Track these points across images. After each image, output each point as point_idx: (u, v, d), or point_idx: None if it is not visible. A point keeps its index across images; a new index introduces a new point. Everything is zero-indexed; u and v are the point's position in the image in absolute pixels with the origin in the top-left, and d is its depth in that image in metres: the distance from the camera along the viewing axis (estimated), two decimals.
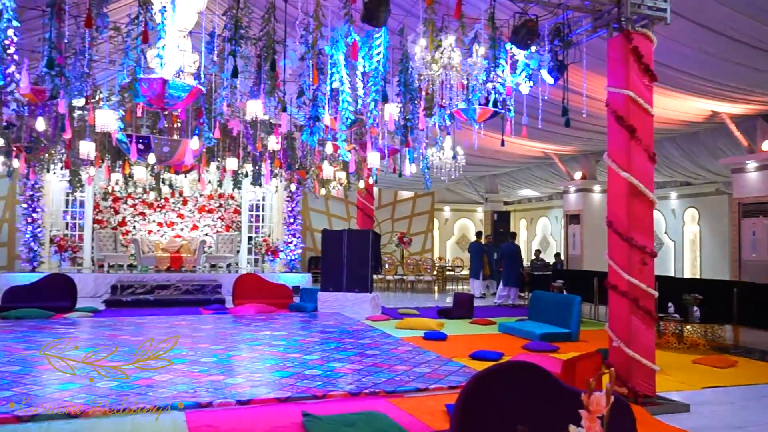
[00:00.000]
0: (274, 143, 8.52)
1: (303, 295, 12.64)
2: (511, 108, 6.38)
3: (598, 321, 11.12)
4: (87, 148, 7.95)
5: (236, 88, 6.20)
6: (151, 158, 7.45)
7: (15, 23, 4.42)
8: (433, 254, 22.09)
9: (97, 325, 9.67)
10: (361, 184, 12.07)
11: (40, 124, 7.44)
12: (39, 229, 14.68)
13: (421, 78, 5.37)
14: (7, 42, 4.49)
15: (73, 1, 5.58)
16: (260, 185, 11.86)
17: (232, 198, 17.99)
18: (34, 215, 14.59)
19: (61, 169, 11.08)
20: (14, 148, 8.87)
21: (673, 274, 16.09)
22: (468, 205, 23.89)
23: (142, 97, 5.12)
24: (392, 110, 6.13)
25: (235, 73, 4.90)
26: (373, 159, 7.85)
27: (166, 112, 7.12)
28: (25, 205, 14.58)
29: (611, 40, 5.65)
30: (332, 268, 11.92)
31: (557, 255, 17.59)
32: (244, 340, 8.48)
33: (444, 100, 5.39)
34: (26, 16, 5.56)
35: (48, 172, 11.13)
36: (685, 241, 16.96)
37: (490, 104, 5.84)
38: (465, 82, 5.37)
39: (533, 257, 18.21)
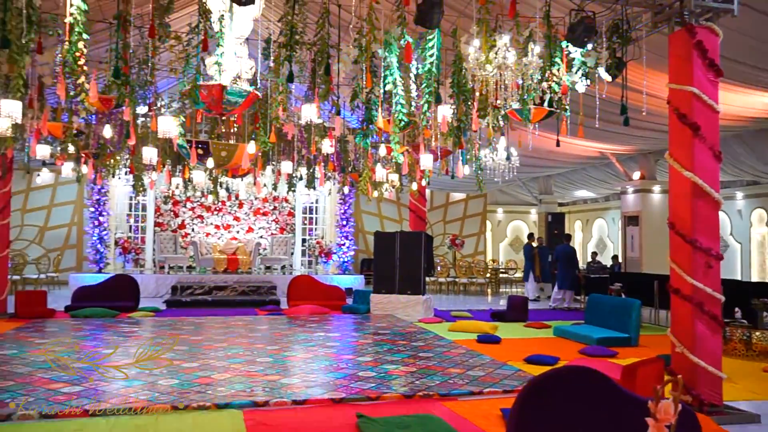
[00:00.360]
0: (327, 146, 8.63)
1: (356, 296, 12.73)
2: (567, 107, 6.25)
3: (658, 326, 10.76)
4: (150, 154, 8.28)
5: (291, 93, 6.30)
6: (210, 162, 7.69)
7: (85, 36, 4.63)
8: (486, 256, 21.87)
9: (159, 325, 10.00)
10: (414, 187, 12.06)
11: (107, 132, 7.78)
12: (105, 232, 15.34)
13: (475, 79, 5.33)
14: (78, 54, 4.71)
15: (137, 13, 5.82)
16: (314, 188, 12.02)
17: (286, 201, 18.31)
18: (101, 218, 15.25)
19: (126, 174, 11.56)
20: (83, 155, 9.32)
21: (739, 278, 15.40)
22: (521, 207, 23.55)
23: (202, 104, 5.28)
24: (445, 112, 6.12)
25: (290, 78, 5.00)
26: (426, 161, 7.84)
27: (224, 118, 7.32)
28: (92, 209, 15.27)
29: (673, 35, 5.47)
30: (385, 270, 11.97)
31: (615, 257, 17.13)
32: (299, 341, 8.61)
33: (498, 101, 5.33)
34: (94, 28, 5.81)
35: (113, 177, 11.62)
36: (753, 244, 16.21)
37: (545, 104, 5.75)
38: (520, 81, 5.30)
39: (589, 260, 17.79)
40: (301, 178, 11.85)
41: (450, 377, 6.34)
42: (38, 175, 15.28)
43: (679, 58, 5.39)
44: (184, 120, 6.83)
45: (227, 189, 16.80)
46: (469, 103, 6.01)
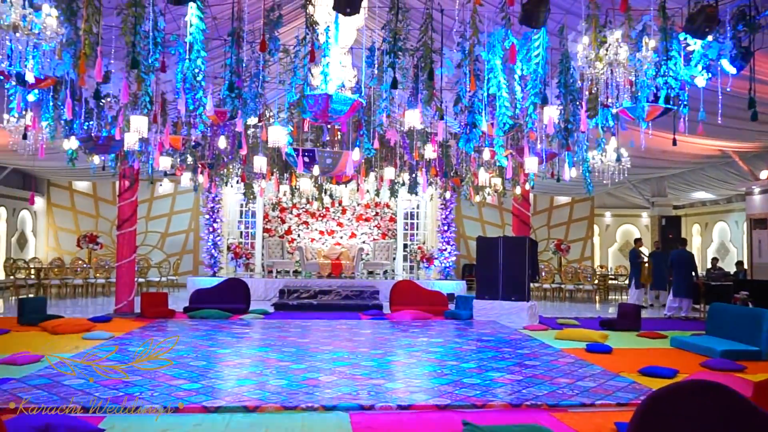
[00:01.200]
0: (430, 151, 8.64)
1: (458, 302, 12.63)
2: (685, 104, 5.85)
3: None
4: (260, 163, 8.70)
5: (394, 100, 6.37)
6: (316, 170, 7.95)
7: (203, 53, 4.94)
8: (593, 262, 20.97)
9: (268, 327, 10.42)
10: (518, 191, 11.79)
11: (222, 142, 8.26)
12: (218, 238, 16.23)
13: (584, 77, 5.13)
14: (196, 71, 5.02)
15: (249, 29, 6.12)
16: (416, 193, 12.07)
17: (388, 207, 18.53)
18: (215, 225, 16.16)
19: (237, 182, 12.20)
20: (200, 165, 9.95)
21: None
22: (631, 210, 22.38)
23: (309, 113, 5.46)
24: (552, 113, 5.92)
25: (394, 84, 5.05)
26: (531, 164, 7.63)
27: (329, 126, 7.54)
28: (207, 216, 16.21)
29: None
30: (488, 275, 11.78)
31: (739, 263, 15.83)
32: (402, 346, 8.65)
33: (609, 100, 5.09)
34: (210, 46, 6.17)
35: (226, 185, 12.28)
36: None
37: (661, 101, 5.41)
38: (632, 78, 5.02)
39: (709, 266, 16.57)
40: (403, 184, 11.93)
41: (558, 387, 6.12)
42: (160, 185, 16.47)
43: None
44: (291, 129, 7.11)
45: (331, 196, 17.29)
46: (577, 103, 5.79)
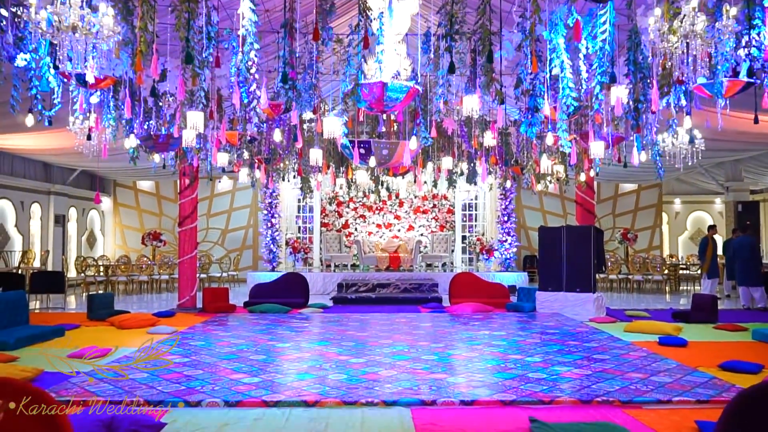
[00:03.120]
0: (490, 139, 8.34)
1: (520, 294, 12.30)
2: None
3: None
4: (315, 155, 8.62)
5: (450, 87, 6.14)
6: (372, 161, 7.81)
7: (256, 46, 4.87)
8: (663, 251, 20.08)
9: (327, 321, 10.41)
10: (581, 178, 11.31)
11: (277, 136, 8.24)
12: (277, 233, 16.40)
13: (656, 53, 4.77)
14: (249, 63, 4.96)
15: (301, 22, 6.04)
16: (474, 183, 11.77)
17: (446, 198, 18.28)
18: (273, 221, 16.34)
19: (294, 177, 12.25)
20: (256, 161, 10.01)
21: None
22: (703, 196, 21.30)
23: (364, 102, 5.32)
24: (620, 93, 5.58)
25: (452, 69, 4.85)
26: (597, 149, 7.25)
27: (385, 116, 7.38)
28: (265, 212, 16.39)
29: None
30: (551, 266, 11.41)
31: None
32: (463, 339, 8.45)
33: (684, 75, 4.70)
34: (263, 40, 6.12)
35: (283, 180, 12.32)
36: None
37: (742, 74, 4.98)
38: (711, 50, 4.63)
39: None
40: (461, 174, 11.65)
41: (631, 382, 5.79)
42: (219, 181, 16.74)
43: None
44: (346, 120, 6.97)
45: (388, 188, 17.21)
46: (648, 81, 5.42)
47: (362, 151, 7.43)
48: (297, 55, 5.66)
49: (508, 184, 12.67)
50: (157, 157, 9.49)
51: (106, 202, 20.16)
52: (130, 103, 5.67)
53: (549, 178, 10.55)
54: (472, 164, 11.02)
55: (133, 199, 20.37)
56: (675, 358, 6.95)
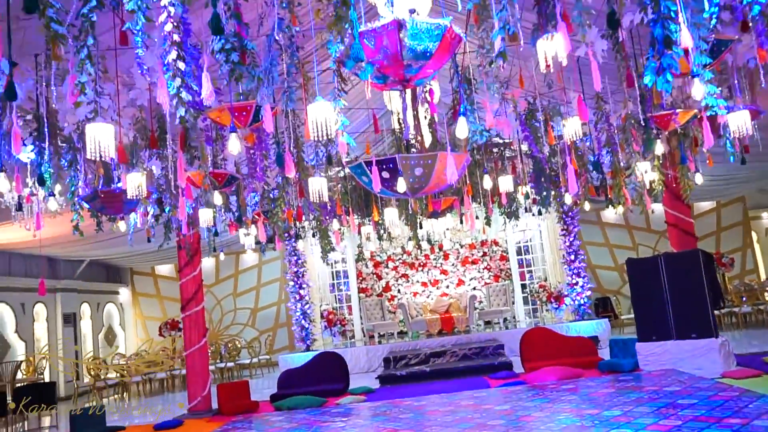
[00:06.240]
0: (574, 132, 5.73)
1: (614, 348, 9.67)
2: None
3: None
4: (317, 186, 6.21)
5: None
6: (401, 185, 5.35)
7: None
8: (759, 275, 17.07)
9: (371, 414, 7.96)
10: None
11: (233, 146, 5.92)
12: (307, 306, 14.15)
13: None
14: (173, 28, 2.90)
15: None
16: (541, 213, 9.15)
17: (496, 243, 15.89)
18: (301, 292, 14.12)
19: (314, 234, 10.08)
20: (255, 216, 7.91)
21: None
22: None
23: (369, 68, 3.19)
24: None
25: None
26: (740, 118, 4.85)
27: (411, 110, 5.08)
28: (291, 283, 14.23)
29: None
30: (650, 308, 8.82)
31: None
32: (565, 429, 5.89)
33: None
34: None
35: (300, 238, 10.19)
36: None
37: None
38: None
39: None
40: (526, 199, 8.98)
41: None
42: (222, 250, 14.52)
43: None
44: (343, 105, 4.63)
45: (429, 241, 14.98)
46: None
47: (386, 174, 5.19)
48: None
49: (587, 206, 9.83)
50: (121, 224, 7.27)
51: (125, 293, 18.41)
52: (18, 134, 3.67)
53: (654, 178, 7.74)
54: (542, 185, 8.14)
55: (152, 286, 18.61)
56: None
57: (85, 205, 5.62)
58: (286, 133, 5.30)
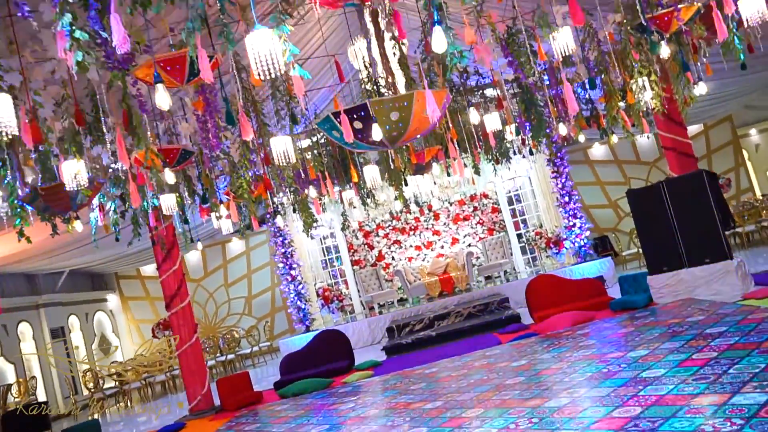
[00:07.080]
0: (566, 40, 5.02)
1: (624, 285, 9.23)
2: None
3: None
4: (281, 145, 5.52)
5: None
6: (376, 133, 4.75)
7: None
8: (755, 193, 16.75)
9: (381, 389, 7.49)
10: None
11: (162, 100, 5.23)
12: (301, 286, 13.61)
13: None
14: None
15: None
16: (532, 153, 8.52)
17: (486, 196, 15.36)
18: (293, 272, 13.57)
19: (294, 210, 9.47)
20: (224, 194, 7.29)
21: None
22: None
23: None
24: None
25: None
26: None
27: (377, 47, 4.42)
28: (281, 265, 13.65)
29: None
30: (658, 238, 8.38)
31: None
32: (590, 379, 5.44)
33: None
34: None
35: (280, 215, 9.54)
36: None
37: None
38: None
39: None
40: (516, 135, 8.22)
41: None
42: (198, 239, 13.79)
43: None
44: (289, 30, 3.79)
45: (417, 203, 14.41)
46: None
47: (357, 124, 4.57)
48: None
49: (582, 138, 9.11)
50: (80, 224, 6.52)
51: (113, 300, 17.77)
52: None
53: (649, 101, 7.21)
54: (530, 118, 7.43)
55: (140, 289, 17.98)
56: None
57: (28, 208, 4.97)
58: (237, 88, 4.68)
